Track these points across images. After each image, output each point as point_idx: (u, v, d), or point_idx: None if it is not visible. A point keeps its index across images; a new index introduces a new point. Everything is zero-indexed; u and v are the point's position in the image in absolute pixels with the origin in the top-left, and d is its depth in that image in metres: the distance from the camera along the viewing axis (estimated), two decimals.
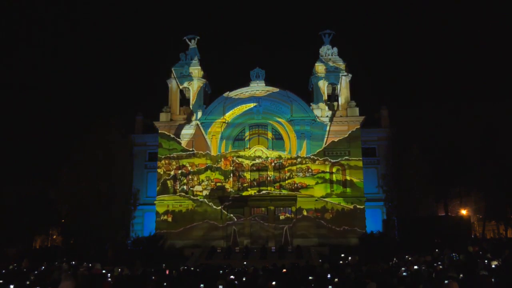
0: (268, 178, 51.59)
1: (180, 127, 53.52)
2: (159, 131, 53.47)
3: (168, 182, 52.52)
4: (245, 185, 51.70)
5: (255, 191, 51.08)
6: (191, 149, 52.74)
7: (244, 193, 51.10)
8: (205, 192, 51.60)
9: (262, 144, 52.61)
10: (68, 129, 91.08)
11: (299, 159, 51.18)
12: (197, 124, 53.08)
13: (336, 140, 51.91)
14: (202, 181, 52.06)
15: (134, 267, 24.16)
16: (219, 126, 52.80)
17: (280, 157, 51.59)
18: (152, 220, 51.88)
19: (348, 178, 51.35)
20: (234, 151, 52.36)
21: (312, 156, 51.31)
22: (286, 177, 51.48)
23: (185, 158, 52.65)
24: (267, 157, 51.60)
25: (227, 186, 51.74)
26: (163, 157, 52.66)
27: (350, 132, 52.04)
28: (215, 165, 52.06)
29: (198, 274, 20.94)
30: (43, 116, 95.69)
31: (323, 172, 51.40)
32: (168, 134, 53.24)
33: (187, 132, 53.32)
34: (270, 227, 49.76)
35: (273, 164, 51.62)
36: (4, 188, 51.47)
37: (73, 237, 48.25)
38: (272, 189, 51.11)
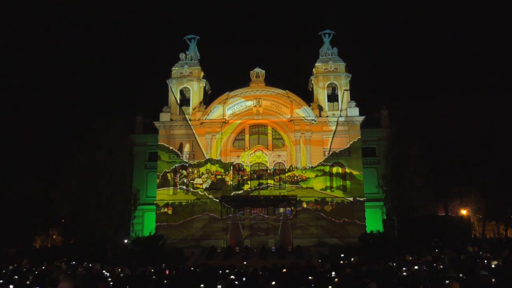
0: (268, 171, 51.60)
1: (180, 127, 53.44)
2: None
3: (168, 175, 52.25)
4: (245, 177, 51.64)
5: (255, 185, 51.12)
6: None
7: (245, 187, 51.05)
8: (205, 185, 51.55)
9: (262, 144, 52.58)
10: (68, 129, 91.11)
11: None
12: (197, 125, 52.99)
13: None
14: (202, 174, 51.94)
15: (131, 268, 24.15)
16: (219, 126, 52.76)
17: (279, 169, 51.69)
18: (152, 220, 51.82)
19: (348, 171, 51.22)
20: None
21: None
22: (286, 170, 51.49)
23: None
24: (266, 169, 51.59)
25: (227, 178, 51.70)
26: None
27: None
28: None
29: (198, 274, 20.93)
30: (43, 116, 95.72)
31: (323, 164, 51.41)
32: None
33: (187, 132, 53.24)
34: (270, 226, 49.82)
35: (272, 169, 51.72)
36: (4, 188, 51.47)
37: (73, 237, 48.28)
38: (272, 181, 51.09)
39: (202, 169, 52.06)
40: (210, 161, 52.11)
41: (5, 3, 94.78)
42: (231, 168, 52.02)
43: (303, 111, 52.23)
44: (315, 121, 52.07)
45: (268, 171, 51.70)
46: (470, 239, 41.45)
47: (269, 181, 51.28)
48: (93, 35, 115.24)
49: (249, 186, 51.32)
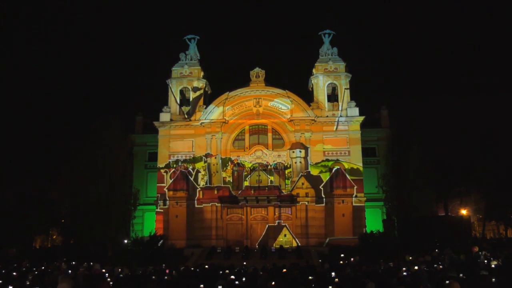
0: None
1: (180, 127, 53.34)
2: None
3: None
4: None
5: (255, 182, 50.75)
6: (190, 156, 52.42)
7: (244, 183, 50.81)
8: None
9: (262, 144, 52.52)
10: (68, 129, 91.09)
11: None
12: (197, 125, 52.94)
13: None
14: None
15: (131, 268, 24.16)
16: (219, 126, 52.71)
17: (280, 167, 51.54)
18: (152, 220, 51.79)
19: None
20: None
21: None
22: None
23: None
24: (267, 164, 51.41)
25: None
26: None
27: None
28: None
29: (198, 274, 20.93)
30: (43, 116, 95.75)
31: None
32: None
33: (187, 132, 53.20)
34: (270, 226, 49.76)
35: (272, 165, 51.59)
36: (4, 188, 51.49)
37: (73, 237, 48.25)
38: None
39: (198, 165, 51.90)
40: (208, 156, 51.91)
41: (5, 2, 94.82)
42: (229, 163, 51.76)
43: (303, 111, 51.94)
44: (314, 121, 52.04)
45: (269, 167, 51.46)
46: (470, 239, 41.43)
47: (269, 177, 51.05)
48: (93, 35, 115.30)
49: (248, 183, 51.03)
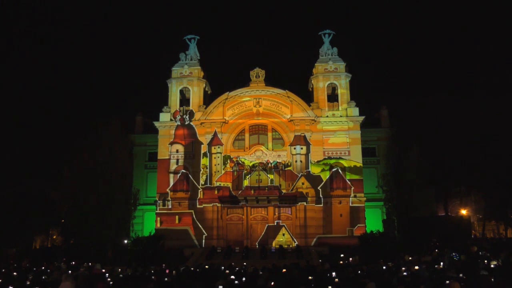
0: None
1: (180, 127, 53.32)
2: (159, 140, 53.01)
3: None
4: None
5: (255, 181, 50.71)
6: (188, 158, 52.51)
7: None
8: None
9: (262, 144, 52.52)
10: (68, 129, 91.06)
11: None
12: (197, 125, 52.97)
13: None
14: None
15: (131, 268, 24.16)
16: (219, 126, 52.72)
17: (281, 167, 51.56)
18: (152, 220, 51.81)
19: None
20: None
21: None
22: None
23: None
24: (267, 162, 51.40)
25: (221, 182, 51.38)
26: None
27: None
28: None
29: (198, 274, 20.94)
30: (43, 116, 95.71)
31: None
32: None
33: (187, 132, 53.18)
34: (270, 226, 49.75)
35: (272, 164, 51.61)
36: (4, 188, 51.51)
37: (73, 237, 48.26)
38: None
39: (203, 162, 51.83)
40: (206, 155, 51.97)
41: (5, 2, 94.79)
42: (228, 161, 51.74)
43: (303, 111, 51.96)
44: (314, 121, 52.06)
45: (269, 165, 51.40)
46: (470, 239, 41.40)
47: (270, 176, 50.99)
48: (94, 35, 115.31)
49: (248, 182, 51.00)
